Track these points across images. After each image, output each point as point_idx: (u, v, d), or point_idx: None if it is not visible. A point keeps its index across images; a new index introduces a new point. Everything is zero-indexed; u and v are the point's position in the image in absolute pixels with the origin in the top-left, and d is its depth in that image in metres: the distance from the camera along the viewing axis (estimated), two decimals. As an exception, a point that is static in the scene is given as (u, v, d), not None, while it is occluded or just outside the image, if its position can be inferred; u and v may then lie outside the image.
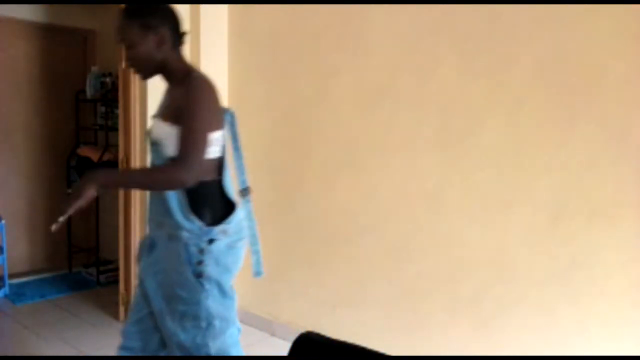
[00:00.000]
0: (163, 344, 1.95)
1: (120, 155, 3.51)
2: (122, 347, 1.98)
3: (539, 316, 2.41)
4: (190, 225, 1.78)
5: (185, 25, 3.46)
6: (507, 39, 2.45)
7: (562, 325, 2.35)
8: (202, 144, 1.73)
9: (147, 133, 1.96)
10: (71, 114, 4.63)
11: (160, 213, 1.85)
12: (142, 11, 1.80)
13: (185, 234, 1.78)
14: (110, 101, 4.26)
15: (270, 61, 3.41)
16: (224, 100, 3.66)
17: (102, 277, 4.32)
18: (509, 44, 2.44)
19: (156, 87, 3.39)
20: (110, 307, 3.77)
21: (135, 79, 3.37)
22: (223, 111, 1.95)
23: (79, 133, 4.63)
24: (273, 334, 3.44)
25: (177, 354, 1.86)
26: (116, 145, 3.69)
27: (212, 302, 1.81)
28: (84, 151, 4.46)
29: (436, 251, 2.73)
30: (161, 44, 1.81)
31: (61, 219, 1.63)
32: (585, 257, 2.28)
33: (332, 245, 3.16)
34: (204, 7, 3.47)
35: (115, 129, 3.92)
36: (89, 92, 4.33)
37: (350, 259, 3.08)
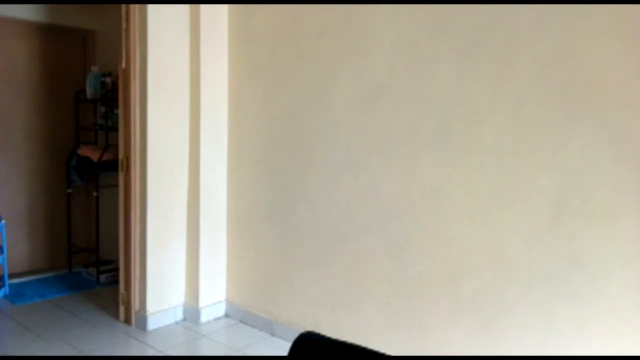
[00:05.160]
0: None
1: (120, 155, 3.51)
2: None
3: (539, 316, 2.41)
4: None
5: (186, 25, 3.50)
6: (507, 39, 2.45)
7: (562, 324, 2.35)
8: None
9: None
10: (71, 114, 4.63)
11: None
12: None
13: None
14: (110, 101, 4.26)
15: (270, 61, 3.41)
16: (224, 100, 3.66)
17: (102, 277, 4.32)
18: (509, 44, 2.45)
19: (156, 87, 3.42)
20: (110, 307, 3.78)
21: (135, 78, 3.37)
22: None
23: (79, 133, 4.63)
24: (273, 334, 3.44)
25: None
26: (116, 145, 3.69)
27: None
28: (84, 151, 4.47)
29: (436, 251, 2.73)
30: None
31: None
32: (585, 257, 2.28)
33: (332, 246, 3.16)
34: (204, 7, 3.48)
35: (115, 129, 3.92)
36: (89, 92, 4.33)
37: (350, 259, 3.08)
